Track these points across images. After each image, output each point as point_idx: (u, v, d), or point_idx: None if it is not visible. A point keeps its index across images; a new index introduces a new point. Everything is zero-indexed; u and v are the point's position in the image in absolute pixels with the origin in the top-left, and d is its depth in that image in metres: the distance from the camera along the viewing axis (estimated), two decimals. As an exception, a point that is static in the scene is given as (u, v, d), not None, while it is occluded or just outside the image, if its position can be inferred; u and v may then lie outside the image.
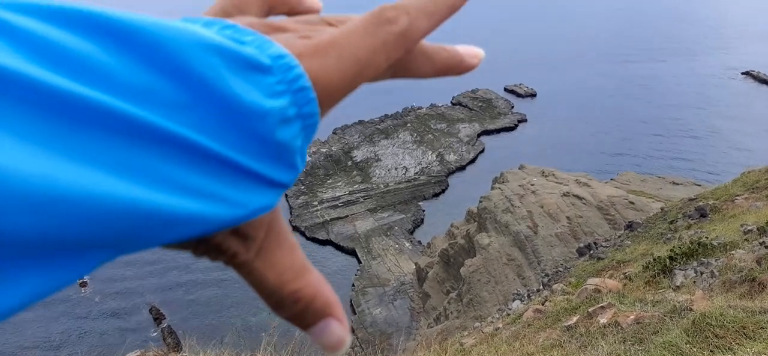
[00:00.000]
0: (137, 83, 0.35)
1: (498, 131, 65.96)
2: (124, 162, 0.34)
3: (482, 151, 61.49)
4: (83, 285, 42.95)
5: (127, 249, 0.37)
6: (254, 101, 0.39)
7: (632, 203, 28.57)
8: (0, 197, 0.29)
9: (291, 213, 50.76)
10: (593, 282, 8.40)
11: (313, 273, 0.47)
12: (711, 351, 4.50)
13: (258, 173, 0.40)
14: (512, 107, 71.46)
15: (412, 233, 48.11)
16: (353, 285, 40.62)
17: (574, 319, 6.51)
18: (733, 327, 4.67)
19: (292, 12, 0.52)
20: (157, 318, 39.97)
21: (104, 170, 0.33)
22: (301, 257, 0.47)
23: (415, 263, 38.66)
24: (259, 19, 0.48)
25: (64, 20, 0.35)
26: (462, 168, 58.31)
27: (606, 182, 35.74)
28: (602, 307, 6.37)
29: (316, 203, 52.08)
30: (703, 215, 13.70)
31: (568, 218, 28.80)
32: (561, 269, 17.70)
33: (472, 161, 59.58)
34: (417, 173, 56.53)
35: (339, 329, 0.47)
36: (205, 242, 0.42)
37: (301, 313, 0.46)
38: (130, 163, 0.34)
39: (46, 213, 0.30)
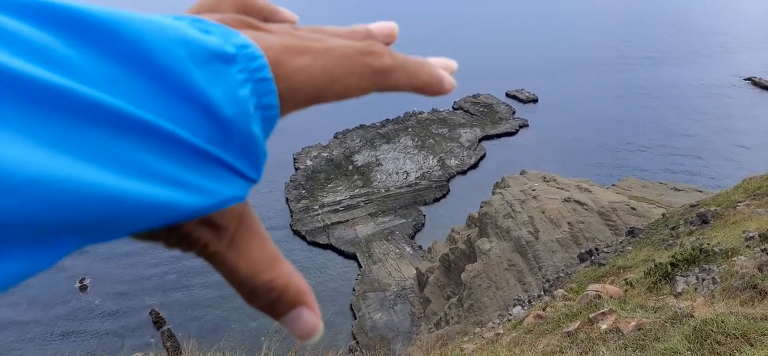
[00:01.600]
0: (102, 73, 0.36)
1: (499, 136, 66.00)
2: (92, 147, 0.34)
3: (483, 156, 61.49)
4: (83, 288, 42.95)
5: (98, 237, 0.36)
6: (217, 91, 0.39)
7: (634, 209, 28.53)
8: None
9: (292, 217, 50.76)
10: (594, 287, 8.37)
11: (284, 264, 0.47)
12: (713, 358, 4.48)
13: (226, 163, 0.40)
14: (514, 112, 71.48)
15: (412, 237, 48.09)
16: (354, 290, 40.59)
17: (575, 325, 6.48)
18: (734, 333, 4.65)
19: (267, 21, 0.52)
20: (157, 321, 39.94)
21: (73, 156, 0.33)
22: (273, 248, 0.47)
23: (416, 268, 38.62)
24: (234, 15, 0.48)
25: (23, 12, 0.35)
26: (463, 173, 58.32)
27: (607, 188, 35.70)
28: (603, 313, 6.34)
29: (317, 207, 52.08)
30: (705, 222, 13.67)
31: (569, 223, 28.76)
32: (562, 274, 17.67)
33: (474, 166, 59.59)
34: (418, 177, 56.54)
35: (311, 317, 0.47)
36: (176, 232, 0.42)
37: (274, 302, 0.46)
38: (99, 149, 0.34)
39: (14, 196, 0.30)
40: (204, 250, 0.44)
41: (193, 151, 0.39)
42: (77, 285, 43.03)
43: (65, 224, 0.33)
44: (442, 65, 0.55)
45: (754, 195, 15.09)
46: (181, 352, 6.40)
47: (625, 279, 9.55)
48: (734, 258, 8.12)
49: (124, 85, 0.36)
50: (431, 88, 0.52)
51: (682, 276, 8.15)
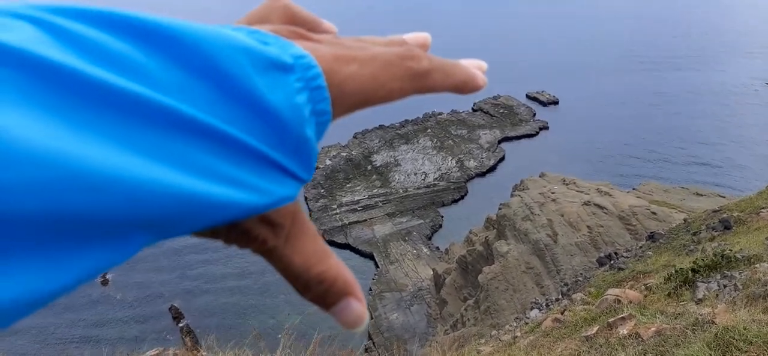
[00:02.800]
0: (172, 80, 0.39)
1: (519, 138, 65.61)
2: (163, 149, 0.37)
3: (502, 158, 61.16)
4: (105, 282, 43.57)
5: (166, 233, 0.40)
6: (277, 97, 0.43)
7: (654, 213, 28.18)
8: (53, 179, 0.32)
9: (310, 216, 50.55)
10: (613, 292, 8.30)
11: (333, 257, 0.51)
12: (734, 365, 4.43)
13: (280, 164, 0.44)
14: (534, 114, 70.99)
15: (430, 238, 48.01)
16: (371, 290, 40.63)
17: (594, 330, 6.44)
18: (756, 341, 4.59)
19: (312, 31, 0.55)
20: (176, 317, 40.38)
21: (146, 156, 0.36)
22: (323, 243, 0.50)
23: (433, 269, 38.54)
24: (285, 26, 0.51)
25: (103, 23, 0.38)
26: (482, 175, 58.07)
27: (628, 192, 35.32)
28: (622, 318, 6.29)
29: (335, 206, 52.24)
30: (727, 228, 13.47)
31: (588, 227, 28.50)
32: (580, 278, 17.53)
33: (493, 167, 59.30)
34: (436, 178, 56.43)
35: (358, 307, 0.51)
36: (235, 229, 0.45)
37: (325, 293, 0.50)
38: (168, 150, 0.37)
39: (95, 194, 0.33)
40: (263, 246, 0.47)
41: (252, 153, 0.42)
42: (99, 279, 43.70)
43: (140, 220, 0.36)
44: (474, 65, 0.60)
45: (778, 202, 14.83)
46: (199, 348, 6.47)
47: (645, 284, 9.45)
48: (757, 265, 8.00)
49: (192, 91, 0.39)
50: (467, 85, 0.57)
51: (703, 282, 8.05)
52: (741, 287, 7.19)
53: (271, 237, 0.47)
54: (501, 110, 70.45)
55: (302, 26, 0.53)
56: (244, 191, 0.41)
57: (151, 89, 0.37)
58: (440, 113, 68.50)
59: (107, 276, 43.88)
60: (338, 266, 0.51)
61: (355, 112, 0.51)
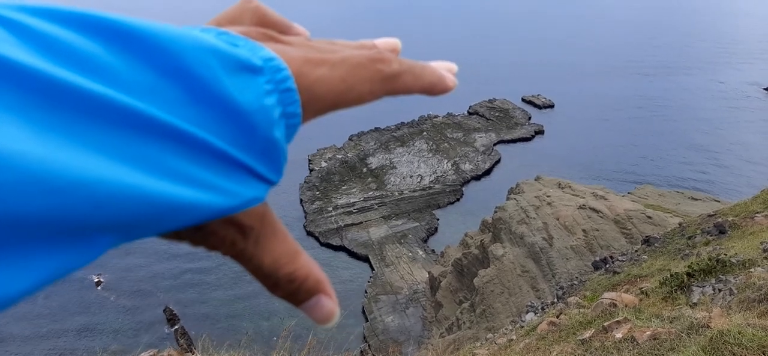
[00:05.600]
0: (140, 81, 0.39)
1: (514, 141, 65.68)
2: (129, 152, 0.37)
3: (498, 161, 61.21)
4: (99, 283, 43.39)
5: (131, 235, 0.39)
6: (246, 99, 0.42)
7: (650, 217, 28.24)
8: (13, 182, 0.31)
9: (306, 218, 50.88)
10: (609, 296, 8.30)
11: (303, 256, 0.51)
12: (729, 369, 4.43)
13: (248, 166, 0.43)
14: (529, 117, 71.13)
15: (425, 241, 47.97)
16: (366, 292, 40.58)
17: (589, 333, 6.44)
18: (751, 345, 4.59)
19: (283, 34, 0.55)
20: (171, 319, 40.23)
21: (110, 158, 0.36)
22: (293, 242, 0.51)
23: (428, 272, 38.53)
24: (256, 28, 0.51)
25: (74, 23, 0.38)
26: (477, 178, 58.09)
27: (623, 196, 35.38)
28: (618, 322, 6.29)
29: (330, 208, 52.16)
30: (722, 232, 13.50)
31: (584, 230, 28.55)
32: (576, 282, 17.54)
33: (488, 171, 59.35)
34: (432, 181, 56.43)
35: (329, 303, 0.52)
36: (202, 231, 0.45)
37: (296, 291, 0.50)
38: (133, 153, 0.37)
39: (57, 196, 0.32)
40: (232, 248, 0.47)
41: (219, 155, 0.42)
42: (94, 280, 43.52)
43: (103, 222, 0.36)
44: (444, 67, 0.60)
45: (772, 206, 14.88)
46: (194, 350, 6.44)
47: (640, 288, 9.46)
48: (752, 269, 8.02)
49: (160, 93, 0.39)
50: (436, 87, 0.57)
51: (698, 286, 8.07)
52: (736, 291, 7.20)
53: (240, 239, 0.47)
54: (496, 113, 70.54)
55: (273, 28, 0.53)
56: (211, 193, 0.41)
57: (117, 91, 0.37)
58: (436, 116, 68.55)
59: (101, 278, 43.70)
60: (309, 264, 0.51)
61: (327, 114, 0.51)
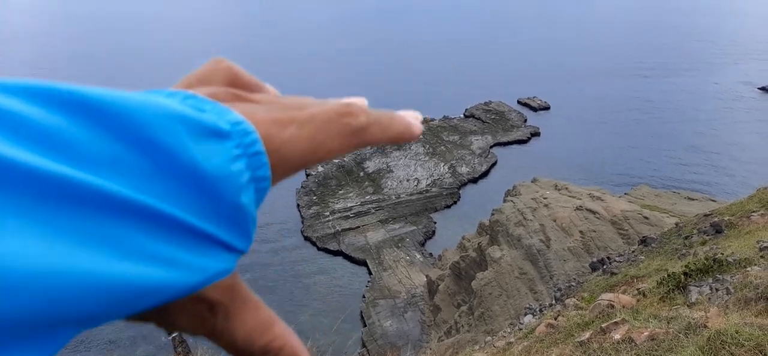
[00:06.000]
0: (102, 154, 0.36)
1: (511, 143, 65.76)
2: (89, 233, 0.34)
3: (495, 163, 61.26)
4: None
5: (93, 323, 0.36)
6: (212, 165, 0.41)
7: (646, 218, 28.30)
8: None
9: (303, 223, 50.83)
10: (606, 297, 8.32)
11: (279, 324, 0.50)
12: (727, 369, 4.44)
13: (215, 238, 0.41)
14: (525, 119, 71.23)
15: (423, 245, 47.95)
16: (364, 297, 40.53)
17: (587, 335, 6.45)
18: (749, 344, 4.60)
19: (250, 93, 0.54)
20: (169, 326, 40.15)
21: (69, 244, 0.33)
22: (267, 311, 0.49)
23: (426, 276, 38.52)
24: (225, 88, 0.50)
25: (34, 97, 0.36)
26: (474, 181, 58.13)
27: (620, 197, 35.44)
28: (616, 323, 6.30)
29: (327, 213, 52.12)
30: (719, 231, 13.54)
31: (581, 232, 28.59)
32: (573, 283, 17.55)
33: (485, 173, 59.40)
34: (429, 184, 56.44)
35: None
36: (167, 311, 0.43)
37: None
38: (93, 234, 0.34)
39: (15, 294, 0.30)
40: (202, 326, 0.45)
41: (184, 228, 0.39)
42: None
43: (64, 316, 0.33)
44: (410, 116, 0.60)
45: (768, 205, 14.93)
46: (192, 357, 6.42)
47: (638, 289, 9.48)
48: (748, 268, 8.04)
49: (123, 165, 0.37)
50: (403, 136, 0.57)
51: (695, 286, 8.08)
52: (733, 290, 7.22)
53: (209, 316, 0.45)
54: (492, 116, 70.65)
55: (243, 88, 0.52)
56: (176, 270, 0.39)
57: (77, 168, 0.34)
58: (432, 120, 68.63)
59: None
60: (284, 334, 0.49)
61: (298, 172, 0.50)
